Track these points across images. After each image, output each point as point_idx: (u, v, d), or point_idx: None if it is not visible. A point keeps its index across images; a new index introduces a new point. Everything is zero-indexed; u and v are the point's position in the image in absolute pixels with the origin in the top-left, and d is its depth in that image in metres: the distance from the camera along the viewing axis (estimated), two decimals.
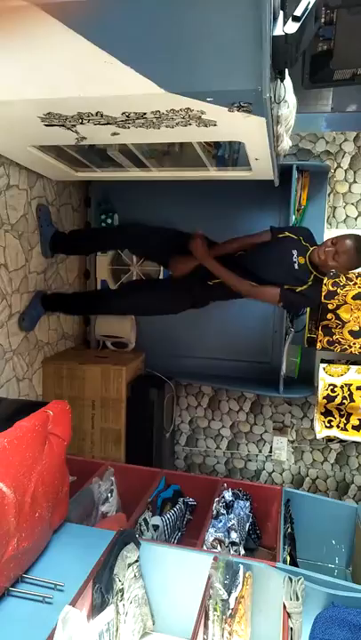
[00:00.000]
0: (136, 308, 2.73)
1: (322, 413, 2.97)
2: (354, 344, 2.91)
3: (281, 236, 2.37)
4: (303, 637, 1.75)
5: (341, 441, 3.05)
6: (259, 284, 2.32)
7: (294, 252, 2.28)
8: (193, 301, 2.53)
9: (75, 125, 1.77)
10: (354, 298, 2.86)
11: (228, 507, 2.27)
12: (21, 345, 2.56)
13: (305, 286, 2.28)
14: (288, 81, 1.68)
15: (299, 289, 2.28)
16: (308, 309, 2.91)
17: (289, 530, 2.32)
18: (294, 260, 2.27)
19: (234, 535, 2.09)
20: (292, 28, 1.29)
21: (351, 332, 2.92)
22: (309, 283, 2.28)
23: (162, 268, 3.05)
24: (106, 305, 2.74)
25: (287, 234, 2.37)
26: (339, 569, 2.51)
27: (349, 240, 2.18)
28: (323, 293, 2.60)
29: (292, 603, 1.69)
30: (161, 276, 3.08)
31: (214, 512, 2.23)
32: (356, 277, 2.90)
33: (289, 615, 1.70)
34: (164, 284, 2.66)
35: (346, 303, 2.87)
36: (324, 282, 2.74)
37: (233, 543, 2.08)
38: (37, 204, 2.63)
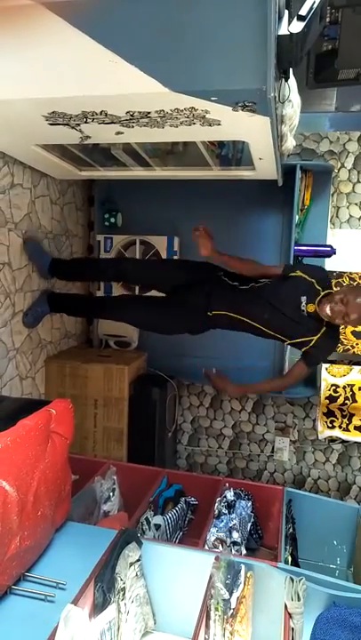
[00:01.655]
0: (133, 320, 2.66)
1: (324, 414, 2.97)
2: (357, 344, 2.91)
3: (292, 274, 2.16)
4: (304, 638, 1.75)
5: (343, 441, 3.05)
6: (270, 320, 2.17)
7: (303, 300, 2.10)
8: (190, 327, 2.42)
9: (79, 124, 1.77)
10: None
11: (230, 506, 2.27)
12: (25, 344, 2.56)
13: (320, 333, 2.09)
14: (292, 80, 1.67)
15: (314, 338, 2.10)
16: None
17: (290, 530, 2.31)
18: (303, 307, 2.10)
19: (235, 535, 2.09)
20: (297, 27, 1.29)
21: (354, 333, 2.92)
22: (323, 329, 2.09)
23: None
24: (106, 313, 2.72)
25: (299, 273, 2.16)
26: (340, 569, 2.51)
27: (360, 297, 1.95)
28: (330, 280, 2.29)
29: (294, 603, 1.69)
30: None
31: (216, 512, 2.23)
32: (360, 278, 2.90)
33: (290, 615, 1.69)
34: (166, 304, 2.50)
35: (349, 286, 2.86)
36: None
37: (234, 543, 2.07)
38: (22, 239, 2.46)
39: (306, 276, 2.13)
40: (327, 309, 2.00)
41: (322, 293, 2.08)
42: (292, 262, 2.84)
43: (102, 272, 2.77)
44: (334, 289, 2.17)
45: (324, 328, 2.09)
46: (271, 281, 2.21)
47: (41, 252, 2.59)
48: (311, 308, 2.08)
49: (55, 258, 2.67)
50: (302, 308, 2.09)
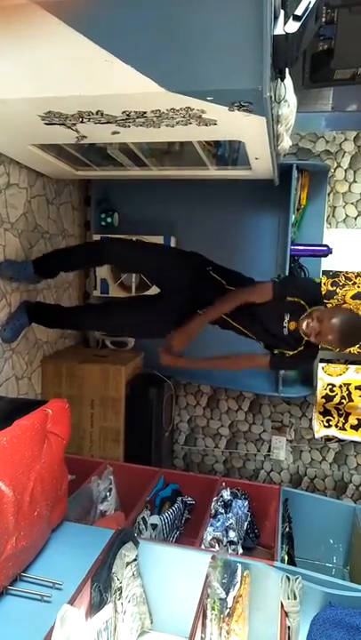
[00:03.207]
0: (117, 329, 2.58)
1: (320, 413, 2.98)
2: None
3: (281, 299, 2.09)
4: (301, 637, 1.75)
5: (340, 440, 3.05)
6: (254, 328, 2.16)
7: (286, 317, 2.07)
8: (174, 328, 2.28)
9: (75, 124, 1.77)
10: (353, 297, 2.87)
11: (227, 506, 2.28)
12: (21, 344, 2.56)
13: (295, 351, 2.10)
14: (288, 80, 1.67)
15: (290, 353, 2.11)
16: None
17: (287, 529, 2.32)
18: (285, 324, 2.08)
19: (232, 534, 2.10)
20: (293, 27, 1.28)
21: None
22: (300, 348, 2.09)
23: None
24: (87, 322, 2.61)
25: (289, 299, 2.08)
26: (337, 568, 2.52)
27: (336, 319, 1.91)
28: (322, 298, 2.24)
29: (290, 602, 1.70)
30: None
31: (213, 511, 2.23)
32: (356, 277, 2.90)
33: (286, 614, 1.70)
34: (150, 304, 2.38)
35: (345, 303, 2.87)
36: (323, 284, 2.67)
37: (231, 542, 2.08)
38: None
39: (294, 299, 2.08)
40: (303, 325, 1.99)
41: (308, 311, 2.03)
42: (288, 255, 2.81)
43: (86, 258, 2.62)
44: (328, 304, 2.14)
45: (302, 347, 2.09)
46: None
47: (17, 266, 2.39)
48: (293, 325, 2.06)
49: (34, 259, 2.45)
50: (284, 325, 2.08)
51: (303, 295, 2.08)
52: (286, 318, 2.07)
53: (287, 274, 2.80)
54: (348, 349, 2.70)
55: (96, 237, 3.13)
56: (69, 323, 2.66)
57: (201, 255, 2.32)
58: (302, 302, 2.06)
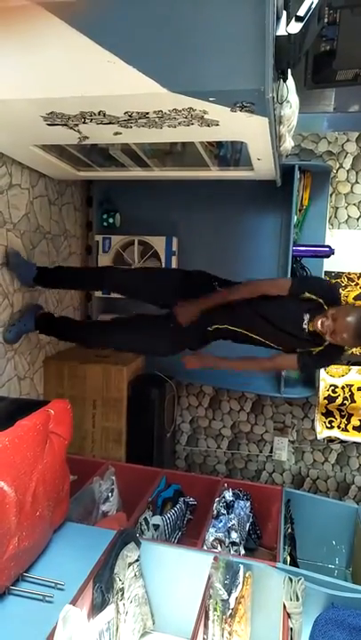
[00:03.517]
0: (123, 346, 2.55)
1: (323, 414, 2.97)
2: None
3: (300, 296, 2.06)
4: (303, 638, 1.75)
5: (342, 441, 3.05)
6: (272, 334, 2.11)
7: (306, 317, 2.02)
8: (189, 346, 2.31)
9: (77, 125, 1.77)
10: (355, 298, 2.86)
11: (229, 507, 2.27)
12: (23, 344, 2.56)
13: (320, 348, 2.04)
14: (291, 81, 1.68)
15: (315, 351, 2.05)
16: None
17: (289, 530, 2.32)
18: (304, 326, 2.03)
19: (234, 535, 2.09)
20: (296, 28, 1.29)
21: None
22: (325, 344, 2.03)
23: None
24: (95, 340, 2.57)
25: (307, 295, 2.05)
26: (339, 569, 2.52)
27: (351, 317, 1.89)
28: (340, 300, 2.16)
29: (293, 603, 1.69)
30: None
31: (215, 512, 2.23)
32: (358, 278, 2.90)
33: (289, 615, 1.70)
34: (162, 326, 2.31)
35: (347, 304, 2.87)
36: None
37: (233, 543, 2.08)
38: (3, 250, 2.33)
39: (313, 296, 2.04)
40: (318, 323, 1.96)
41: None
42: (290, 256, 2.81)
43: (87, 283, 2.70)
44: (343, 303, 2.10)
45: (325, 346, 2.03)
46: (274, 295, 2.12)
47: (23, 262, 2.44)
48: (312, 326, 2.02)
49: (40, 266, 2.49)
50: (304, 327, 2.02)
51: (323, 295, 2.04)
52: (306, 319, 2.03)
53: (289, 275, 2.80)
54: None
55: (97, 238, 3.14)
56: (78, 337, 2.63)
57: (205, 272, 2.31)
58: (321, 301, 2.02)
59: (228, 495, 2.32)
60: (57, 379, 2.81)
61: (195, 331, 2.21)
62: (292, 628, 1.68)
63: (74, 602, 1.36)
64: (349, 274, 2.94)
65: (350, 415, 2.94)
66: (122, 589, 1.60)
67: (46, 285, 2.59)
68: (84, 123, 1.74)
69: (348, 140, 3.08)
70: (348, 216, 3.13)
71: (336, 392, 2.91)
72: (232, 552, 2.03)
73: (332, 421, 2.96)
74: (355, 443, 3.11)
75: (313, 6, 1.33)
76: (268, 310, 2.09)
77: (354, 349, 2.89)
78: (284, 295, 2.07)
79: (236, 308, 2.14)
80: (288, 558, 2.11)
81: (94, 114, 1.65)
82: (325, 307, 2.00)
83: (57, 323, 2.56)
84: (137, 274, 2.63)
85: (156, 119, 1.67)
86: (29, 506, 1.38)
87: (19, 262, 2.40)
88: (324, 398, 2.93)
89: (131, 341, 2.40)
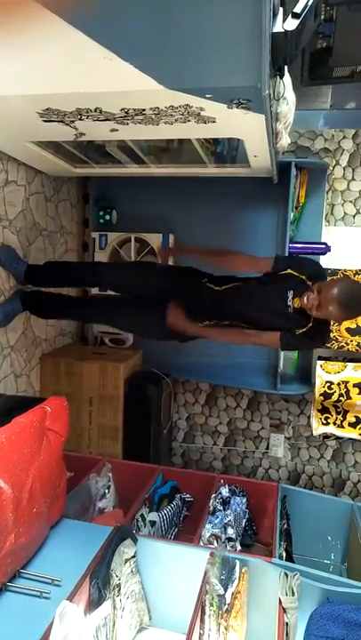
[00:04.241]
0: (109, 321, 2.57)
1: (319, 410, 2.99)
2: (351, 341, 2.92)
3: (282, 272, 2.08)
4: (299, 632, 1.76)
5: (338, 438, 3.06)
6: (258, 319, 2.12)
7: (290, 294, 2.03)
8: (178, 338, 2.30)
9: (73, 121, 1.76)
10: None
11: (225, 503, 2.28)
12: (19, 341, 2.56)
13: (305, 329, 2.04)
14: (287, 78, 1.67)
15: (299, 331, 2.05)
16: None
17: (285, 526, 2.33)
18: (289, 302, 2.03)
19: (230, 531, 2.10)
20: (292, 24, 1.28)
21: (348, 330, 2.93)
22: (310, 325, 2.03)
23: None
24: (80, 314, 2.60)
25: (289, 271, 2.06)
26: (334, 565, 2.53)
27: (336, 289, 1.87)
28: (325, 274, 2.17)
29: (288, 598, 1.70)
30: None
31: (211, 508, 2.24)
32: (354, 275, 2.91)
33: (285, 610, 1.71)
34: (144, 304, 2.32)
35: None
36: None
37: (229, 539, 2.09)
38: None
39: (295, 273, 2.06)
40: (304, 298, 1.95)
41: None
42: (287, 253, 2.82)
43: (78, 278, 2.65)
44: None
45: (312, 324, 2.03)
46: (258, 277, 2.16)
47: (16, 258, 2.43)
48: (297, 302, 2.02)
49: (30, 264, 2.47)
50: (288, 304, 2.03)
51: (304, 271, 2.05)
52: (290, 296, 2.03)
53: None
54: (351, 322, 2.63)
55: (94, 235, 3.13)
56: (73, 313, 2.62)
57: (196, 269, 2.32)
58: (304, 277, 2.03)
59: (225, 491, 2.33)
60: (53, 376, 2.81)
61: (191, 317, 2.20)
62: (287, 623, 1.70)
63: (70, 598, 1.36)
64: (346, 271, 2.95)
65: (346, 412, 2.95)
66: (118, 585, 1.61)
67: (38, 283, 2.51)
68: (80, 119, 1.73)
69: (344, 137, 3.08)
70: (345, 213, 3.13)
71: (332, 389, 2.92)
72: (228, 548, 2.03)
73: (328, 418, 2.98)
74: (350, 439, 3.12)
75: (309, 3, 1.33)
76: (253, 299, 2.11)
77: (350, 346, 2.90)
78: (268, 272, 2.10)
79: (224, 301, 2.16)
80: (284, 554, 2.12)
81: (90, 110, 1.64)
82: (309, 283, 2.01)
83: (48, 297, 2.53)
84: (131, 268, 2.62)
85: (153, 116, 1.66)
86: (26, 502, 1.38)
87: (10, 256, 2.37)
88: (320, 395, 2.95)
89: (119, 316, 2.39)
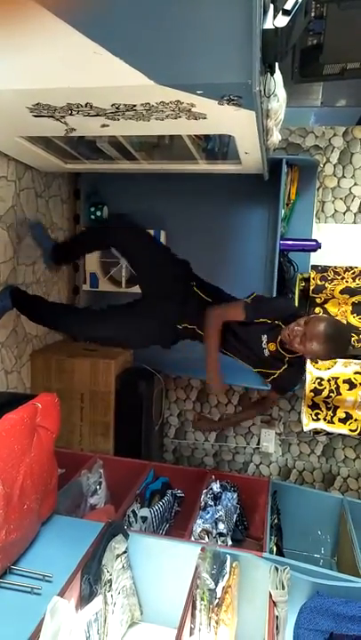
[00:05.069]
0: (96, 339, 2.62)
1: (309, 406, 3.00)
2: None
3: (256, 321, 2.07)
4: (288, 626, 1.78)
5: (328, 433, 3.08)
6: (239, 351, 2.18)
7: (264, 339, 2.04)
8: (161, 342, 2.38)
9: (64, 116, 1.75)
10: (341, 292, 2.88)
11: (216, 498, 2.29)
12: (10, 337, 2.55)
13: (280, 371, 2.08)
14: (278, 75, 1.68)
15: (275, 373, 2.09)
16: None
17: (276, 521, 2.35)
18: (263, 346, 2.04)
19: (221, 526, 2.12)
20: (283, 21, 1.29)
21: None
22: (284, 367, 2.08)
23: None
24: (68, 326, 2.60)
25: (262, 320, 2.06)
26: (324, 559, 2.56)
27: (323, 324, 1.85)
28: (298, 315, 2.09)
29: (278, 592, 1.72)
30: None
31: (202, 503, 2.25)
32: (344, 272, 2.92)
33: (275, 604, 1.72)
34: (136, 316, 2.33)
35: (333, 297, 2.89)
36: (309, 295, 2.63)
37: (220, 534, 2.10)
38: (30, 221, 2.60)
39: (269, 321, 2.05)
40: (287, 332, 1.92)
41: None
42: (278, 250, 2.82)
43: (95, 242, 2.77)
44: (317, 298, 2.23)
45: (286, 365, 2.07)
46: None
47: (44, 237, 2.64)
48: (272, 346, 2.03)
49: (56, 243, 2.72)
50: (263, 347, 2.04)
51: (278, 315, 2.04)
52: (264, 340, 2.03)
53: (276, 271, 2.80)
54: (331, 359, 2.68)
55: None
56: (47, 320, 2.59)
57: (189, 267, 2.35)
58: (277, 322, 2.02)
59: (216, 487, 2.34)
60: (44, 372, 2.80)
61: (164, 327, 2.27)
62: (277, 616, 1.71)
63: (62, 594, 1.37)
64: (336, 268, 2.96)
65: (336, 407, 2.97)
66: (110, 581, 1.61)
67: (63, 260, 2.79)
68: (70, 114, 1.72)
69: (335, 135, 3.09)
70: (335, 210, 3.15)
71: (322, 385, 2.94)
72: (219, 543, 2.05)
73: (319, 414, 2.99)
74: (340, 435, 3.15)
75: (300, 0, 1.33)
76: (235, 326, 2.12)
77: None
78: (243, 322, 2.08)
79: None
80: (274, 548, 2.14)
81: (81, 105, 1.64)
82: (283, 326, 1.99)
83: (31, 301, 2.52)
84: (140, 232, 2.59)
85: (144, 112, 1.66)
86: (17, 499, 1.38)
87: (38, 232, 2.54)
88: (311, 391, 2.96)
89: (102, 330, 2.39)
